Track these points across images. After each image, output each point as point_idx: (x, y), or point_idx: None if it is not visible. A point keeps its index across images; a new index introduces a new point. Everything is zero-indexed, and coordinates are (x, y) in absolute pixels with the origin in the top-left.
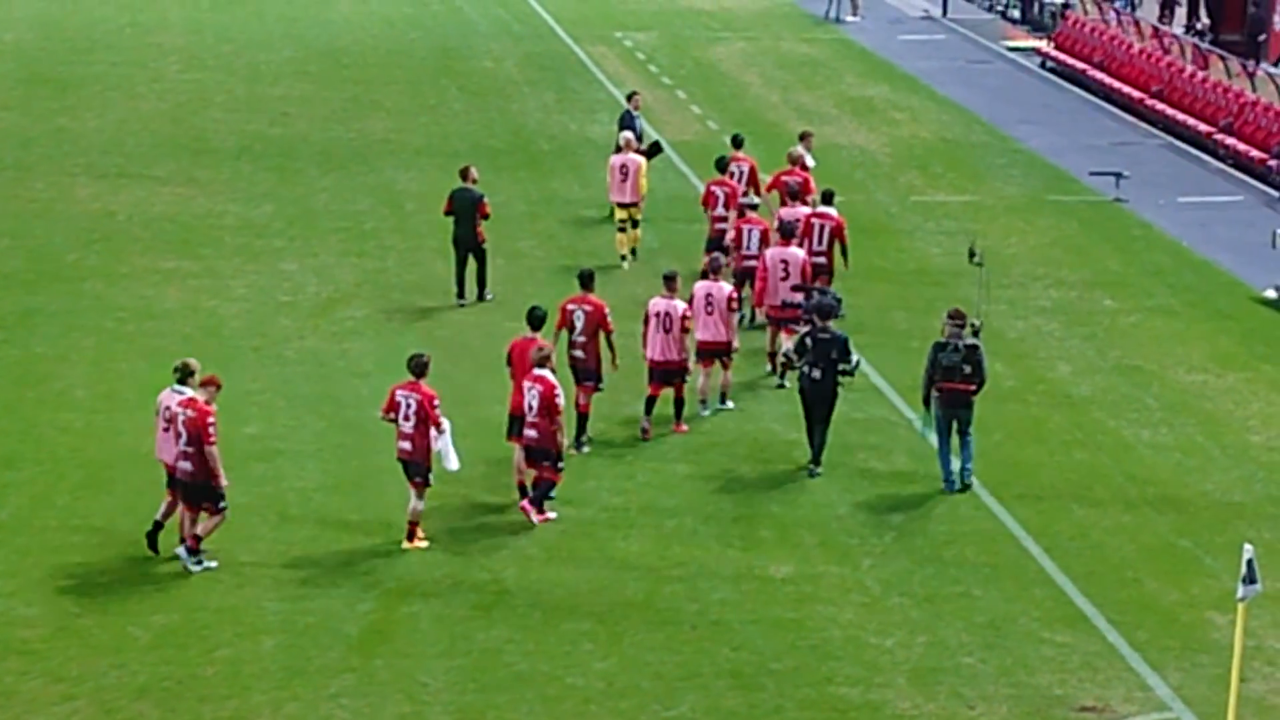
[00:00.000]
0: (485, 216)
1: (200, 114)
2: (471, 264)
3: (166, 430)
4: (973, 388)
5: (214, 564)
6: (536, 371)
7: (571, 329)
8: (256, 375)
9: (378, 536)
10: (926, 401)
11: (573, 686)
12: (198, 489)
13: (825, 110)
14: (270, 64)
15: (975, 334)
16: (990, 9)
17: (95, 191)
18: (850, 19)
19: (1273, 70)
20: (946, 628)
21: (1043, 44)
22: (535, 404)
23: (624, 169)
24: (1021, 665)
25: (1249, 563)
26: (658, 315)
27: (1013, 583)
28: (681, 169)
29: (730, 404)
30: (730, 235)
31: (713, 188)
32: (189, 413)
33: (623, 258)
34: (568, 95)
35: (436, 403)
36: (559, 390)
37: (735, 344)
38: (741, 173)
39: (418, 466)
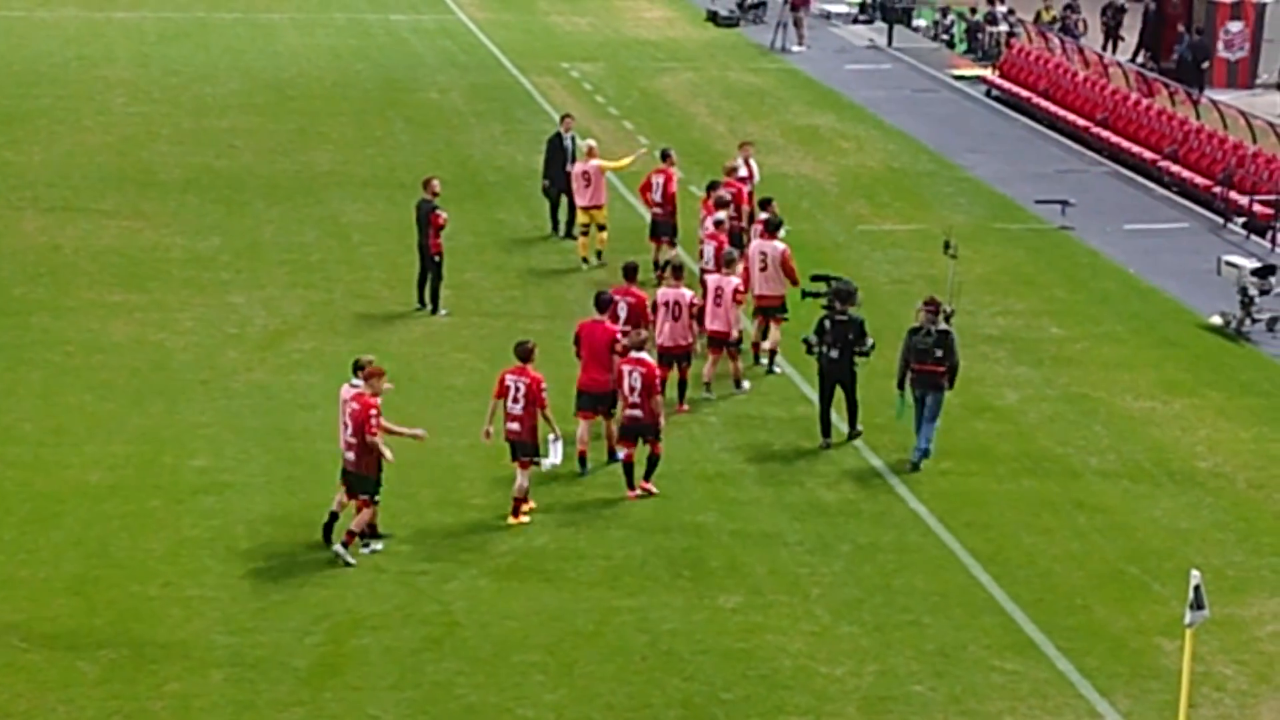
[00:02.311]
0: (438, 228)
1: (147, 147)
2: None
3: (344, 422)
4: (942, 369)
5: (379, 545)
6: (635, 355)
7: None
8: (204, 408)
9: (327, 569)
10: (901, 385)
11: (523, 718)
12: (358, 479)
13: (772, 139)
14: (216, 96)
15: (947, 320)
16: (935, 38)
17: (42, 225)
18: (796, 49)
19: (1216, 97)
20: (896, 656)
21: (988, 72)
22: (638, 385)
23: (585, 176)
24: (971, 693)
25: (1196, 589)
26: (666, 304)
27: (962, 610)
28: (629, 199)
29: (746, 385)
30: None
31: (653, 177)
32: (354, 405)
33: (584, 260)
34: (514, 126)
35: (544, 386)
36: (658, 371)
37: (735, 335)
38: (658, 185)
39: (525, 446)
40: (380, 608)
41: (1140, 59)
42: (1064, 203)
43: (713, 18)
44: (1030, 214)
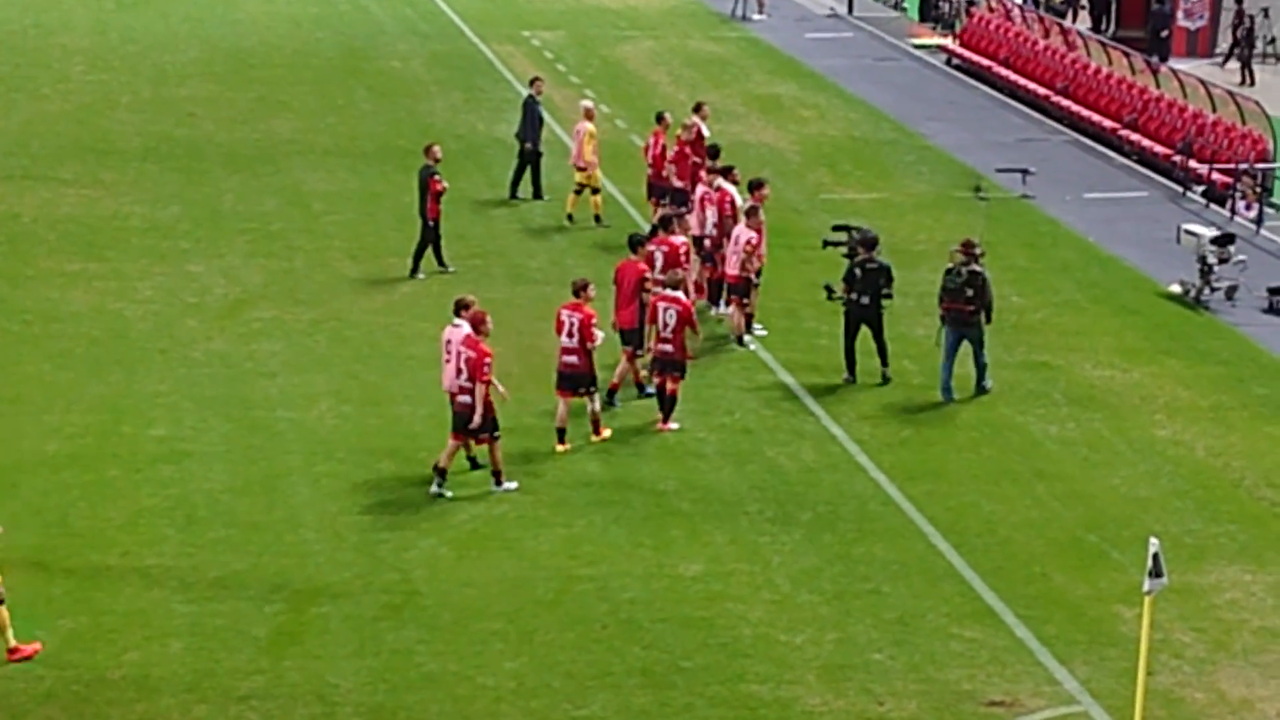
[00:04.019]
0: (436, 193)
1: (106, 115)
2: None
3: (448, 362)
4: (972, 309)
5: (514, 485)
6: (670, 293)
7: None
8: (163, 377)
9: (287, 537)
10: (943, 319)
11: (483, 686)
12: (482, 420)
13: (733, 108)
14: (176, 65)
15: (977, 260)
16: (895, 7)
17: (0, 194)
18: (757, 17)
19: (1176, 66)
20: (856, 624)
21: (948, 41)
22: (672, 321)
23: (576, 135)
24: (930, 661)
25: (1155, 556)
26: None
27: (921, 579)
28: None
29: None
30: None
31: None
32: (470, 352)
33: (569, 217)
34: (475, 95)
35: (595, 320)
36: (694, 310)
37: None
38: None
39: (583, 377)
40: (340, 576)
41: (1105, 28)
42: (1024, 171)
43: None
44: (991, 182)
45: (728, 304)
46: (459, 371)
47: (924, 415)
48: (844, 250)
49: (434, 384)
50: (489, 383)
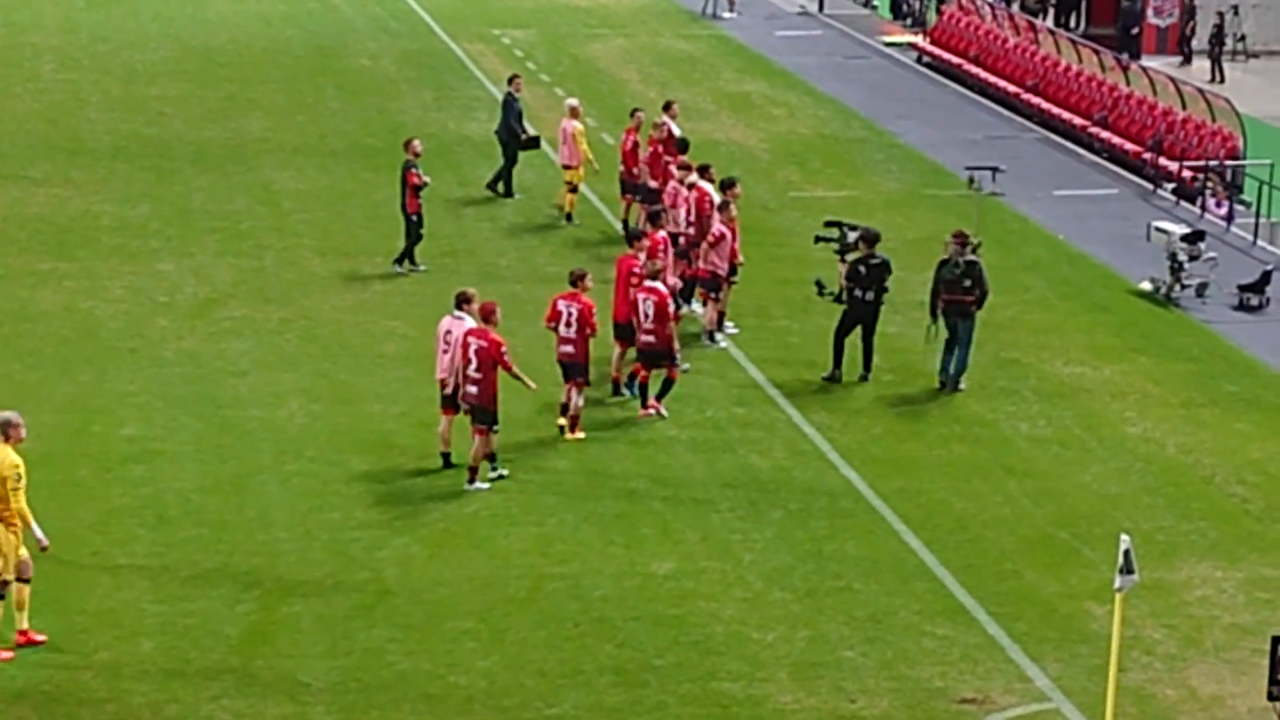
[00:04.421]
0: (413, 187)
1: (75, 114)
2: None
3: (446, 353)
4: (971, 299)
5: (505, 472)
6: (649, 284)
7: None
8: (134, 377)
9: (258, 536)
10: (934, 313)
11: (455, 685)
12: (482, 411)
13: (703, 106)
14: (146, 63)
15: (974, 251)
16: (866, 4)
17: None
18: (727, 15)
19: (1146, 64)
20: (828, 622)
21: (919, 39)
22: (651, 312)
23: (563, 134)
24: (902, 658)
25: (1126, 553)
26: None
27: (893, 576)
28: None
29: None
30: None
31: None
32: (481, 343)
33: (568, 216)
34: (445, 93)
35: (594, 310)
36: (670, 299)
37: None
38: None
39: (578, 367)
40: (311, 575)
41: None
42: (995, 169)
43: None
44: (961, 180)
45: (702, 302)
46: (468, 362)
47: (895, 412)
48: (835, 247)
49: (404, 382)
50: (512, 369)
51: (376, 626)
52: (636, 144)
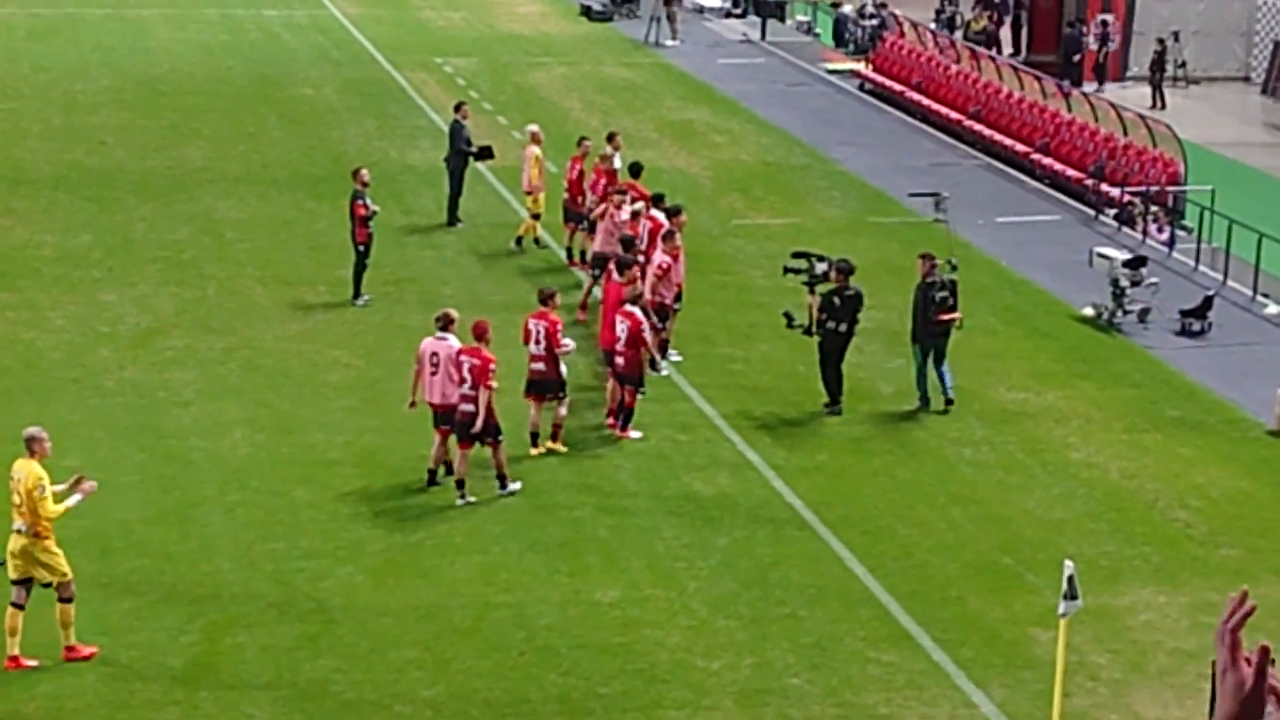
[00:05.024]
0: (359, 217)
1: (17, 144)
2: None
3: (434, 374)
4: (959, 317)
5: (518, 485)
6: (627, 308)
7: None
8: (76, 407)
9: (201, 567)
10: (916, 336)
11: (401, 715)
12: (484, 426)
13: (646, 134)
14: (87, 93)
15: (954, 269)
16: (809, 32)
17: None
18: (670, 43)
19: (1087, 90)
20: (773, 649)
21: (861, 66)
22: (623, 335)
23: (525, 159)
24: (848, 685)
25: (1070, 579)
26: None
27: (838, 603)
28: (504, 194)
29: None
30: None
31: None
32: (474, 360)
33: (536, 241)
34: (388, 122)
35: (560, 327)
36: (645, 324)
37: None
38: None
39: (550, 384)
40: (255, 605)
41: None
42: (937, 195)
43: (586, 12)
44: (904, 207)
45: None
46: (462, 381)
47: (839, 440)
48: (804, 279)
49: (348, 411)
50: (492, 389)
51: (321, 656)
52: (582, 173)
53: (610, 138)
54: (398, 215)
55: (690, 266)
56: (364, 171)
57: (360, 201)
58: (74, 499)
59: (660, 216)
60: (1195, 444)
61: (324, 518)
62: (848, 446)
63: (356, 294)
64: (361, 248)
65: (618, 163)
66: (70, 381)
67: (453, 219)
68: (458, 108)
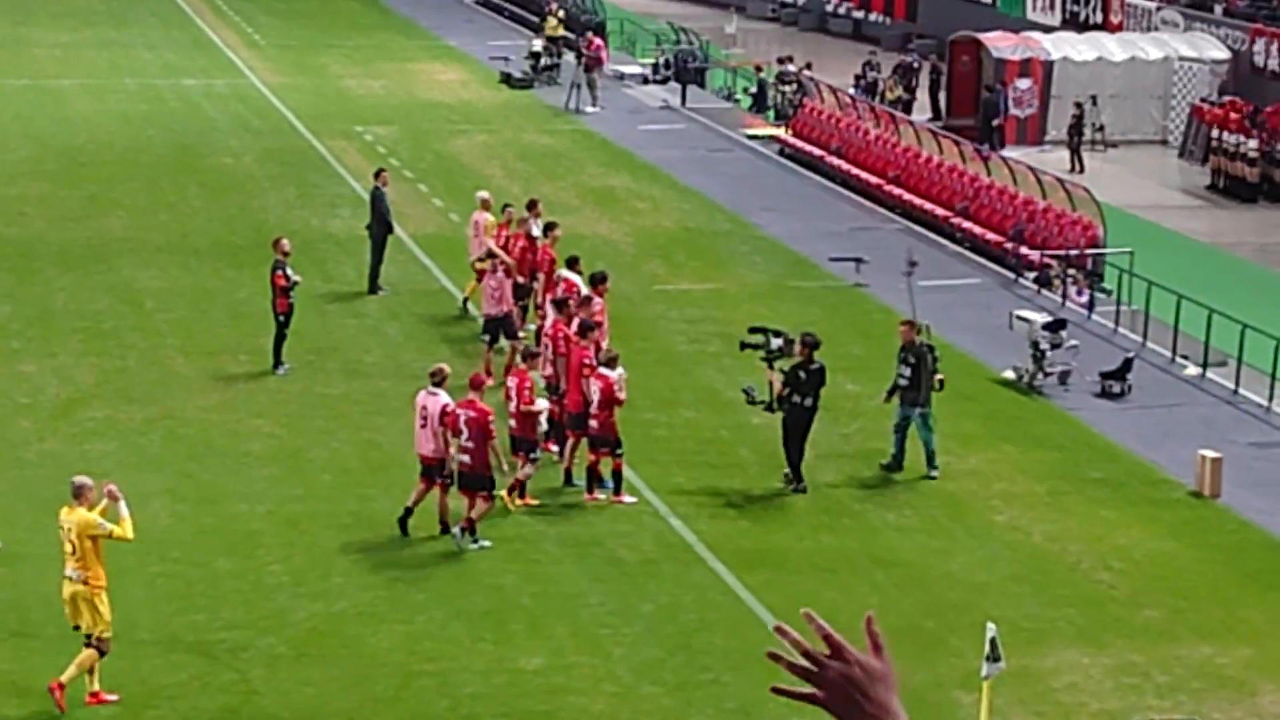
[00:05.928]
0: (279, 287)
1: None
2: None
3: (424, 427)
4: (941, 378)
5: (488, 543)
6: (602, 370)
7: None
8: None
9: (121, 639)
10: (891, 395)
11: None
12: (476, 479)
13: (568, 201)
14: (6, 163)
15: (928, 334)
16: (728, 98)
17: None
18: (590, 110)
19: (1006, 154)
20: (697, 715)
21: (781, 132)
22: (596, 397)
23: (474, 225)
24: None
25: (992, 641)
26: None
27: (762, 668)
28: (424, 262)
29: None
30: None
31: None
32: (470, 413)
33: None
34: (309, 190)
35: (530, 384)
36: (617, 384)
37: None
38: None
39: (522, 441)
40: (176, 677)
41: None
42: (858, 260)
43: (506, 80)
44: (825, 271)
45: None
46: (459, 433)
47: (762, 504)
48: (761, 355)
49: (270, 480)
50: (494, 440)
51: None
52: (508, 240)
53: (531, 205)
54: (319, 283)
55: (613, 332)
56: (284, 241)
57: (280, 271)
58: (122, 508)
59: (574, 278)
60: (1117, 506)
61: (246, 588)
62: (771, 511)
63: (277, 363)
64: (282, 317)
65: (535, 230)
66: None
67: (374, 287)
68: (378, 174)
